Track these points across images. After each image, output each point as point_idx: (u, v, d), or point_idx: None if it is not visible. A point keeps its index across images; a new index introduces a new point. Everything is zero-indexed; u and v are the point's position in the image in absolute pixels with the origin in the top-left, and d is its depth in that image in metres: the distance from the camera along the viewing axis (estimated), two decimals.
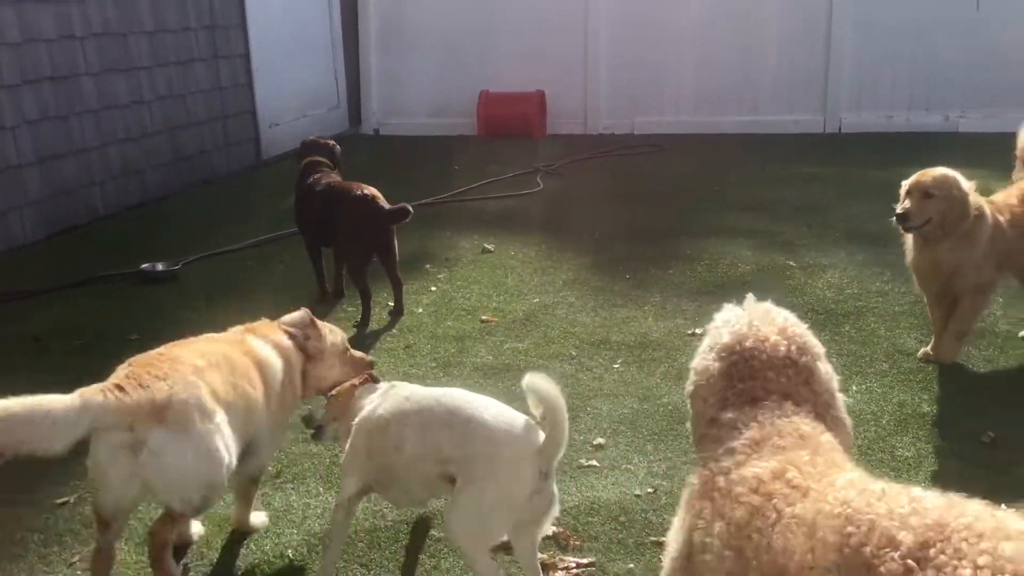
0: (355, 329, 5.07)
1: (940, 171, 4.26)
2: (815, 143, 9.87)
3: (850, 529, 1.61)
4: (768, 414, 1.98)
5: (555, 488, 2.69)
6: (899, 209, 4.26)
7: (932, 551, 1.50)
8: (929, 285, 4.46)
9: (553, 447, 2.58)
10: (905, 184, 4.32)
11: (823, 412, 2.04)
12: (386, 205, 5.08)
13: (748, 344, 2.08)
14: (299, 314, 3.33)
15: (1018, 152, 4.67)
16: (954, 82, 9.80)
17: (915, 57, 9.90)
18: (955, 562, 1.46)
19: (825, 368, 2.13)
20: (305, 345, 3.25)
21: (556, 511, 2.71)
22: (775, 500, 1.78)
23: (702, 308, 5.28)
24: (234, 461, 2.80)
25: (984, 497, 3.36)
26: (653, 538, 3.15)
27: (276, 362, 3.12)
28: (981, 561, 1.44)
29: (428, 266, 6.11)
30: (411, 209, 5.08)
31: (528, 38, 10.74)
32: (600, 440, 3.84)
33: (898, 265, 4.92)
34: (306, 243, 5.59)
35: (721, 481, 1.92)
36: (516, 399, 4.18)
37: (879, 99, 10.11)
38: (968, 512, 1.55)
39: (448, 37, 10.96)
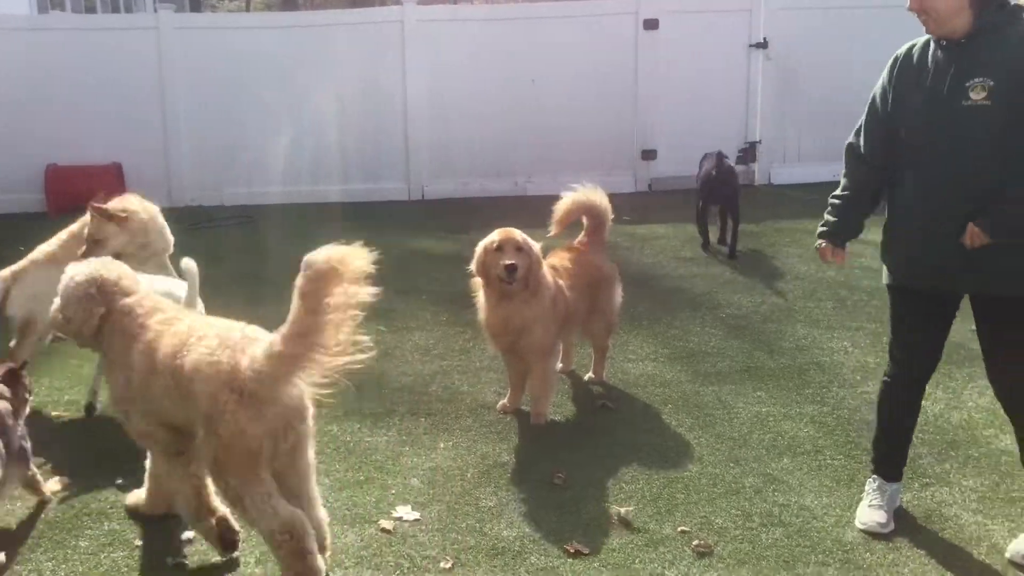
0: None
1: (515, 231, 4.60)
2: (402, 209, 10.32)
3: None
4: None
5: None
6: (506, 263, 4.42)
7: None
8: (501, 341, 4.74)
9: None
10: (490, 243, 4.52)
11: None
12: None
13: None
14: None
15: (556, 216, 5.16)
16: (519, 151, 10.78)
17: (484, 130, 10.76)
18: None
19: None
20: None
21: None
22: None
23: None
24: None
25: (557, 533, 3.68)
26: None
27: None
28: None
29: None
30: None
31: (100, 106, 10.14)
32: None
33: (476, 323, 5.27)
34: None
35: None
36: None
37: (456, 168, 10.84)
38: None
39: (6, 105, 10.04)
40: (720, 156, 8.05)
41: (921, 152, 3.39)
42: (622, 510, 3.81)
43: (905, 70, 3.44)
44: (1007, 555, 3.42)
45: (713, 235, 8.18)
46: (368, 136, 10.71)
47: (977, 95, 3.21)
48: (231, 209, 10.20)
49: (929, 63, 3.36)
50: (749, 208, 9.76)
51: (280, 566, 3.16)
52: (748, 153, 11.09)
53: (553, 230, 5.13)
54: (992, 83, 3.19)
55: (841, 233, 3.71)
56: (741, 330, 6.04)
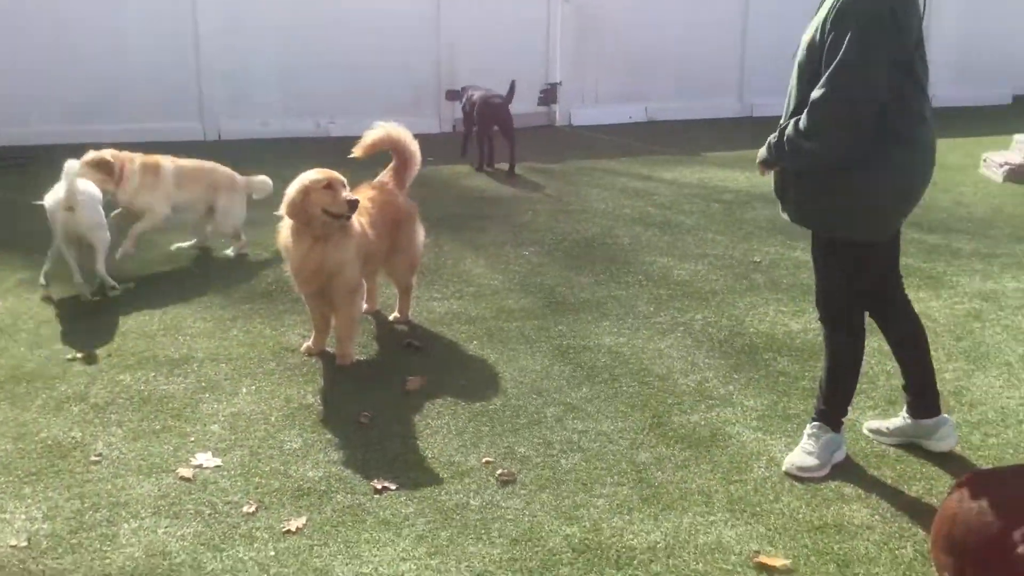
0: None
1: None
2: (198, 150, 9.83)
3: None
4: None
5: None
6: (351, 198, 4.38)
7: None
8: (312, 283, 4.63)
9: None
10: (314, 183, 4.39)
11: None
12: None
13: None
14: None
15: (364, 141, 5.09)
16: (322, 90, 10.50)
17: (285, 67, 10.39)
18: None
19: None
20: None
21: None
22: None
23: (82, 330, 4.98)
24: None
25: (363, 470, 3.68)
26: None
27: None
28: None
29: None
30: None
31: None
32: None
33: (276, 266, 5.15)
34: None
35: None
36: None
37: (255, 107, 10.43)
38: None
39: None
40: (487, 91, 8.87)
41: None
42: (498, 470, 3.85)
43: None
44: (783, 467, 3.70)
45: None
46: (156, 70, 10.09)
47: None
48: (5, 151, 9.40)
49: None
50: (551, 148, 10.00)
51: None
52: (549, 94, 11.28)
53: (357, 152, 5.06)
54: None
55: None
56: (544, 267, 6.18)
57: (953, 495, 2.95)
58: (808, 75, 3.38)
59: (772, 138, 3.48)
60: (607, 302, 5.52)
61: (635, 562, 3.13)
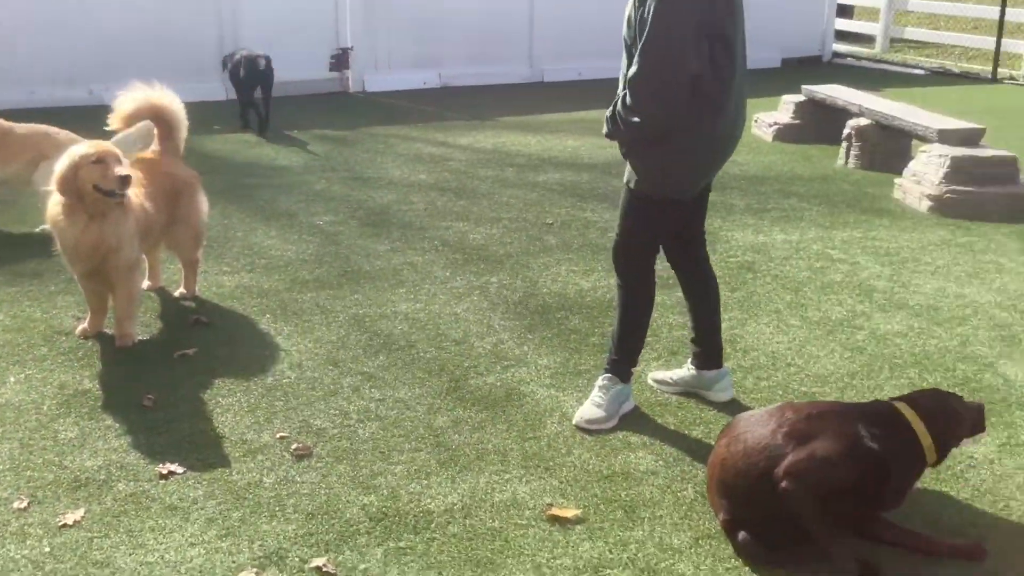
0: None
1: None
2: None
3: None
4: None
5: None
6: (122, 173, 4.10)
7: None
8: (88, 262, 4.30)
9: None
10: (84, 156, 4.11)
11: None
12: None
13: None
14: None
15: (118, 111, 4.80)
16: (92, 55, 9.84)
17: (50, 34, 9.66)
18: None
19: None
20: None
21: None
22: None
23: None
24: None
25: (147, 455, 3.52)
26: None
27: None
28: None
29: None
30: None
31: None
32: None
33: (47, 244, 4.79)
34: None
35: None
36: None
37: (20, 75, 9.66)
38: None
39: None
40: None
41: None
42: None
43: None
44: (574, 421, 3.82)
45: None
46: None
47: None
48: None
49: None
50: (344, 115, 9.82)
51: None
52: (341, 60, 11.06)
53: (113, 124, 4.76)
54: None
55: None
56: (339, 236, 6.07)
57: (721, 441, 3.15)
58: (630, 50, 3.48)
59: (608, 112, 3.58)
60: (403, 269, 5.49)
61: (432, 525, 3.14)
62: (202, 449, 3.58)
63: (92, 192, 4.14)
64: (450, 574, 2.92)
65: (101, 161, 4.14)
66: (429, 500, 3.28)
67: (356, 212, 6.58)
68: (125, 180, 4.15)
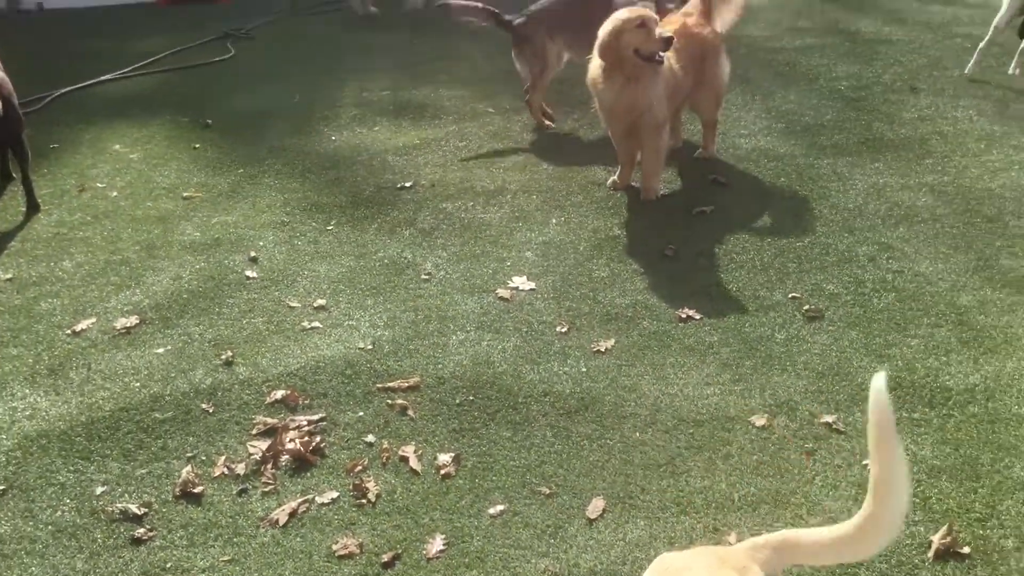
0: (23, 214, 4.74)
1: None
2: None
3: None
4: None
5: None
6: (666, 35, 4.31)
7: None
8: (623, 121, 4.60)
9: None
10: (628, 21, 4.33)
11: None
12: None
13: None
14: None
15: None
16: None
17: None
18: None
19: None
20: None
21: None
22: None
23: (410, 163, 5.38)
24: None
25: (668, 299, 3.79)
26: (379, 384, 3.30)
27: None
28: None
29: (118, 146, 5.73)
30: None
31: None
32: (321, 301, 3.90)
33: (587, 105, 5.23)
34: None
35: None
36: (229, 272, 4.13)
37: None
38: None
39: None
40: None
41: None
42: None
43: None
44: None
45: None
46: None
47: None
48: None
49: None
50: None
51: None
52: None
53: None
54: None
55: None
56: (860, 102, 5.82)
57: None
58: None
59: None
60: (931, 139, 5.14)
61: (950, 402, 3.03)
62: (717, 300, 3.78)
63: (631, 56, 4.40)
64: (967, 452, 2.81)
65: (643, 25, 4.36)
66: (947, 377, 3.16)
67: (881, 77, 6.22)
68: (668, 41, 4.33)
